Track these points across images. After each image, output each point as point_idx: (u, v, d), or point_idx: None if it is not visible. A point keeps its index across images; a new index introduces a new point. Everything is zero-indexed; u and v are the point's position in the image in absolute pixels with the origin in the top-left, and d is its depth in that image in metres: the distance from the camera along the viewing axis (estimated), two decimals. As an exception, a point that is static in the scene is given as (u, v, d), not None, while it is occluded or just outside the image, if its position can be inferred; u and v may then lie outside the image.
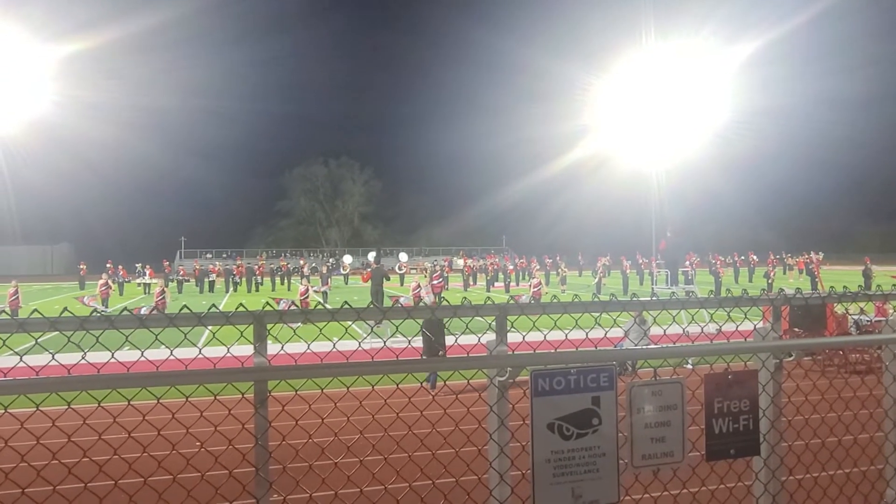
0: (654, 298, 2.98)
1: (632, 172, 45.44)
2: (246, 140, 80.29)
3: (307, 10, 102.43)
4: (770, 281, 31.45)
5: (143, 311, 17.14)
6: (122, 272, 36.81)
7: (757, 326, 2.94)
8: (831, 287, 3.12)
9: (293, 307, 12.40)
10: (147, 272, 36.65)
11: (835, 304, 16.29)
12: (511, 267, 40.00)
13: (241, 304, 2.33)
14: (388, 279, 19.34)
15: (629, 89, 38.17)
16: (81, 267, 39.41)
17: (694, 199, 59.77)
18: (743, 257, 43.35)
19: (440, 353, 10.96)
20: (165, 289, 22.66)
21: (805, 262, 43.48)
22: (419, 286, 24.35)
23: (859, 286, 16.81)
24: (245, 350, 2.37)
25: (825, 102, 70.83)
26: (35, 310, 2.49)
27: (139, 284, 36.60)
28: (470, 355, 2.46)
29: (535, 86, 69.88)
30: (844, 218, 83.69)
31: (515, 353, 2.52)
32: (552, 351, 2.52)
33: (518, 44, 77.30)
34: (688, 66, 38.04)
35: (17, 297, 22.26)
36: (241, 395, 2.40)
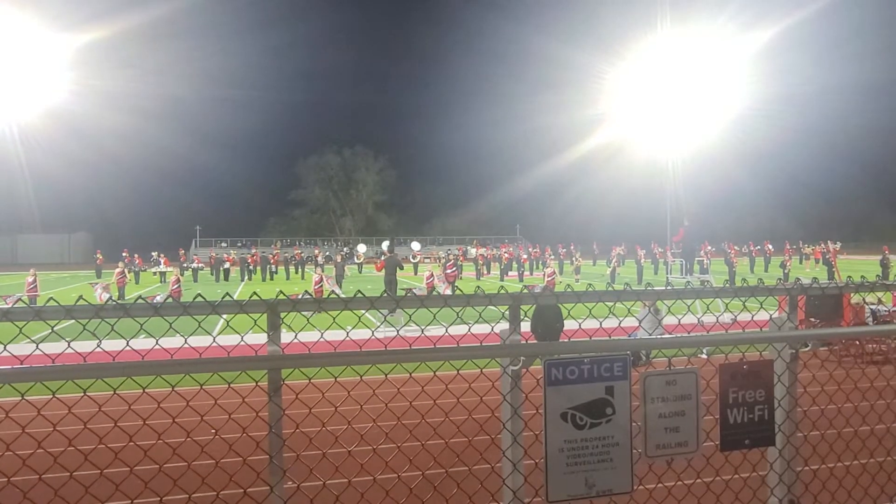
0: (668, 288, 2.96)
1: (647, 161, 45.10)
2: (261, 129, 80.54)
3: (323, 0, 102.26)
4: (786, 271, 31.14)
5: (157, 300, 17.31)
6: (137, 261, 37.16)
7: (773, 316, 2.91)
8: (848, 277, 3.07)
9: (307, 296, 12.29)
10: (162, 261, 36.96)
11: (851, 294, 16.16)
12: (525, 256, 39.91)
13: (255, 293, 2.33)
14: (402, 268, 19.38)
15: (645, 77, 37.79)
16: (98, 256, 39.79)
17: (710, 188, 59.28)
18: (759, 247, 42.96)
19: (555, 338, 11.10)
20: (181, 277, 22.86)
21: (822, 252, 43.10)
22: (433, 275, 24.39)
23: (877, 276, 16.61)
24: (259, 339, 2.38)
25: (844, 90, 69.78)
26: (51, 298, 2.51)
27: (155, 273, 36.93)
28: (483, 344, 2.45)
29: (550, 75, 69.43)
30: (862, 207, 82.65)
31: (528, 342, 2.51)
32: (565, 340, 2.51)
33: (533, 32, 76.82)
34: (704, 53, 37.60)
35: (35, 286, 22.56)
36: (254, 384, 2.41)
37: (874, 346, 12.41)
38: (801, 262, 45.71)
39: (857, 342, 12.37)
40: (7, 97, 44.79)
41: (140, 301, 2.30)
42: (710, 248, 43.18)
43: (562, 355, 2.50)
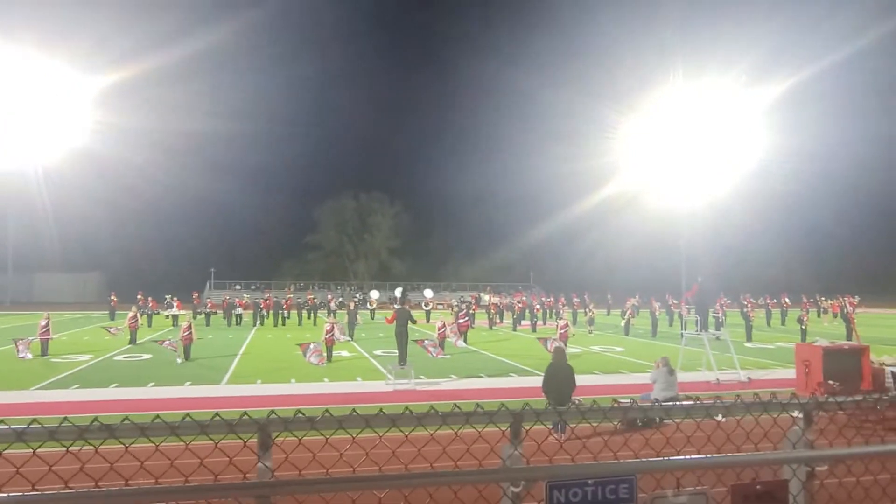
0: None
1: (662, 211, 45.06)
2: (278, 171, 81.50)
3: (341, 43, 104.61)
4: (803, 326, 30.58)
5: (166, 344, 17.19)
6: (151, 303, 37.29)
7: (787, 432, 2.79)
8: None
9: (316, 353, 12.31)
10: (175, 304, 37.05)
11: (871, 357, 15.79)
12: (538, 306, 39.63)
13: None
14: (414, 321, 19.28)
15: (659, 128, 38.01)
16: (112, 298, 40.01)
17: (726, 239, 59.00)
18: (775, 299, 42.38)
19: (566, 401, 11.00)
20: (192, 322, 22.83)
21: (840, 306, 42.39)
22: (444, 325, 24.24)
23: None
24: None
25: (862, 142, 69.74)
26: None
27: (167, 316, 37.00)
28: (483, 468, 2.35)
29: (565, 124, 70.05)
30: (881, 259, 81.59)
31: (531, 465, 2.41)
32: (569, 463, 2.41)
33: (548, 82, 77.76)
34: (718, 105, 37.83)
35: (48, 329, 22.65)
36: (243, 443, 2.32)
37: (895, 412, 12.03)
38: (818, 316, 44.99)
39: (880, 408, 12.04)
40: (31, 137, 46.01)
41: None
42: (725, 299, 42.74)
43: (566, 477, 2.40)
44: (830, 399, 2.87)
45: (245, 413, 2.40)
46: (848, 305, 39.72)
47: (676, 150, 34.03)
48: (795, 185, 63.53)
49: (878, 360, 15.52)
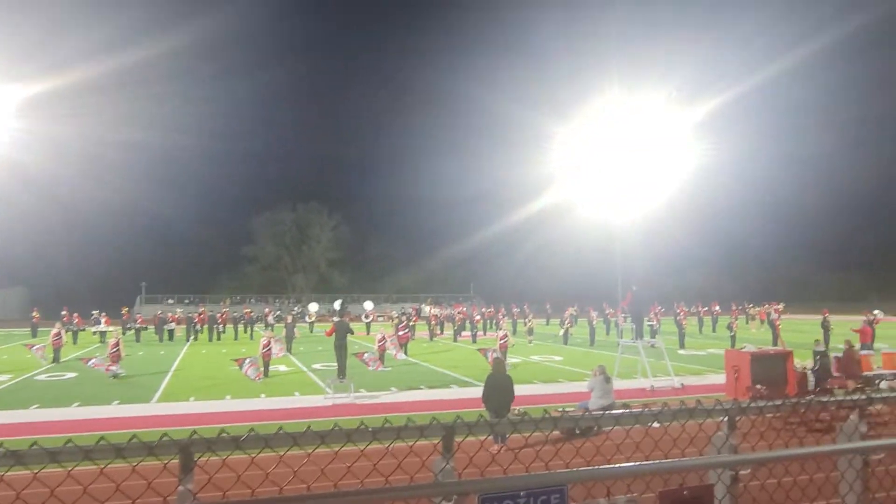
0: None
1: (598, 222, 46.03)
2: (213, 183, 79.37)
3: (278, 52, 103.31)
4: (733, 333, 31.79)
5: (92, 363, 16.38)
6: (76, 320, 35.67)
7: (712, 438, 2.87)
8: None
9: (253, 366, 12.05)
10: (103, 320, 35.59)
11: (794, 362, 16.51)
12: (478, 316, 39.84)
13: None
14: (353, 333, 19.06)
15: (595, 140, 38.90)
16: (34, 314, 38.14)
17: (659, 250, 60.77)
18: (706, 307, 43.90)
19: (504, 412, 10.95)
20: (120, 338, 21.95)
21: (766, 313, 44.24)
22: (384, 338, 24.04)
23: (816, 340, 17.05)
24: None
25: (781, 158, 73.65)
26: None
27: (95, 332, 35.49)
28: (414, 483, 2.32)
29: (503, 133, 71.23)
30: (802, 268, 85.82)
31: (463, 478, 2.40)
32: (500, 476, 2.40)
33: (486, 92, 78.63)
34: (652, 119, 39.00)
35: (-36, 349, 21.40)
36: (163, 466, 2.21)
37: (814, 415, 12.60)
38: (747, 323, 46.78)
39: (802, 410, 12.57)
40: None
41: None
42: (659, 308, 43.98)
43: (497, 490, 2.39)
44: (752, 404, 2.96)
45: (165, 434, 2.30)
46: (773, 312, 41.51)
47: (612, 162, 34.92)
48: (723, 198, 66.28)
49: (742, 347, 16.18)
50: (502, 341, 24.33)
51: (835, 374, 16.30)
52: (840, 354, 16.76)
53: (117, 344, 20.88)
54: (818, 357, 16.03)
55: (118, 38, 54.41)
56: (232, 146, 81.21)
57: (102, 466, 2.20)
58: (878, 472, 3.48)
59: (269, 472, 2.73)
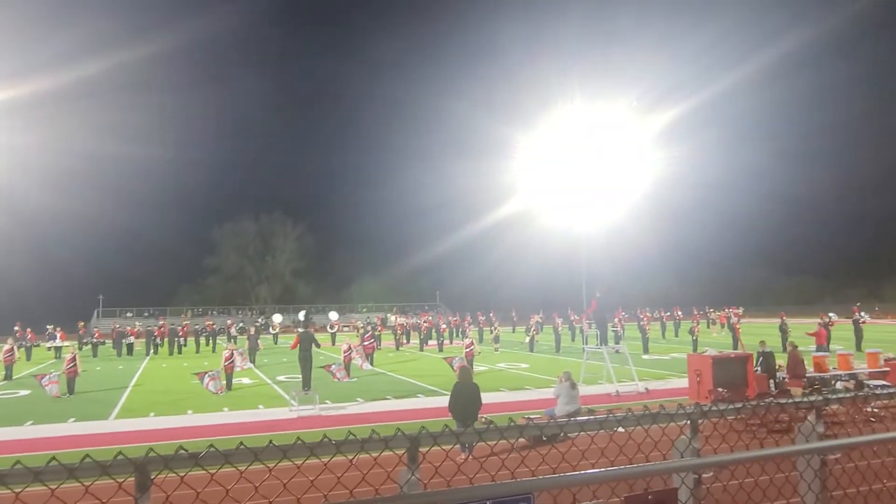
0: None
1: (562, 229, 46.54)
2: (173, 192, 77.86)
3: (240, 61, 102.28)
4: (695, 337, 32.38)
5: (45, 381, 15.80)
6: (29, 335, 34.57)
7: (675, 442, 2.89)
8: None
9: (214, 380, 11.87)
10: (58, 335, 34.58)
11: (755, 363, 16.85)
12: (444, 325, 39.82)
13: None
14: (318, 345, 18.83)
15: (558, 149, 39.38)
16: (-15, 330, 36.88)
17: (622, 256, 61.60)
18: (668, 313, 44.64)
19: (471, 421, 10.86)
20: (77, 353, 21.34)
21: (726, 317, 45.20)
22: (350, 348, 23.84)
23: (761, 341, 17.43)
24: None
25: (738, 168, 75.76)
26: None
27: (49, 348, 34.45)
28: (379, 495, 2.28)
29: (467, 142, 71.71)
30: (761, 273, 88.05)
31: (429, 489, 2.37)
32: (466, 486, 2.38)
33: (450, 101, 79.24)
34: (613, 128, 39.67)
35: None
36: (118, 485, 2.13)
37: (773, 416, 12.86)
38: (708, 327, 47.69)
39: (762, 412, 12.83)
40: None
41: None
42: (624, 314, 44.56)
43: (463, 500, 2.36)
44: (713, 408, 3.00)
45: (120, 452, 2.23)
46: (733, 316, 42.46)
47: (575, 171, 35.37)
48: (683, 206, 67.63)
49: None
50: (468, 349, 24.33)
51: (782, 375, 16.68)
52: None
53: (74, 359, 20.30)
54: (761, 359, 16.45)
55: (78, 47, 53.15)
56: (193, 155, 79.79)
57: (54, 488, 2.12)
58: (835, 471, 3.55)
59: (230, 489, 2.66)
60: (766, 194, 77.74)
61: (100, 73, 55.69)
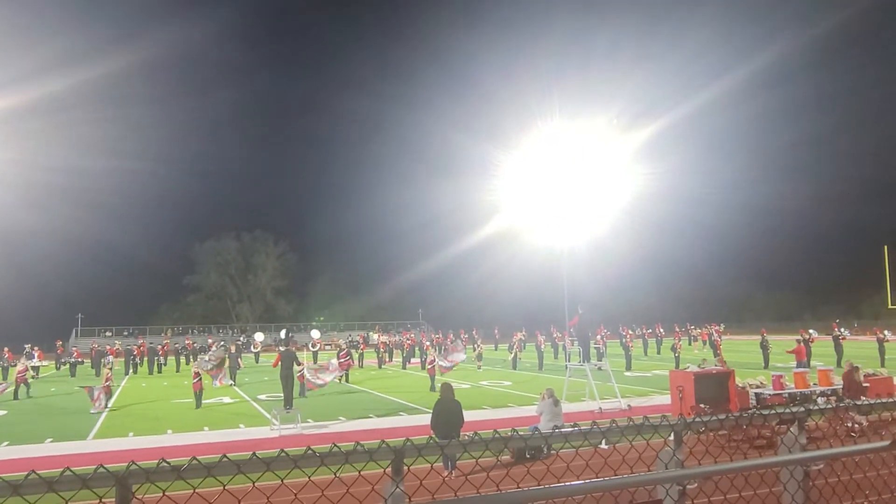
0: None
1: (544, 247, 46.78)
2: (153, 211, 77.23)
3: (221, 79, 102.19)
4: (677, 354, 32.54)
5: (2, 387, 15.64)
6: (7, 355, 33.89)
7: (660, 453, 2.90)
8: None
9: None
10: (36, 354, 33.96)
11: (737, 379, 16.96)
12: (427, 343, 39.68)
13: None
14: (300, 363, 18.69)
15: (539, 167, 39.69)
16: (-40, 350, 36.09)
17: (604, 273, 62.02)
18: (651, 329, 44.87)
19: (455, 434, 10.77)
20: (28, 367, 21.22)
21: (708, 334, 45.51)
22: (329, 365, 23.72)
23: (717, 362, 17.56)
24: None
25: (719, 183, 76.70)
26: None
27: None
28: (363, 508, 2.26)
29: (449, 161, 71.92)
30: (741, 288, 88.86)
31: (413, 502, 2.35)
32: (452, 499, 2.37)
33: (431, 121, 79.68)
34: (594, 145, 40.10)
35: None
36: (98, 499, 2.10)
37: (756, 431, 12.91)
38: (689, 344, 47.97)
39: (744, 427, 12.87)
40: None
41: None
42: (606, 331, 44.71)
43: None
44: (697, 419, 3.02)
45: (101, 465, 2.19)
46: (714, 333, 42.77)
47: (555, 188, 35.63)
48: (663, 221, 68.26)
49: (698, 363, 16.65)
50: (430, 366, 24.42)
51: (775, 391, 16.78)
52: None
53: (25, 370, 20.29)
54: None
55: (53, 61, 52.67)
56: (174, 172, 79.30)
57: (33, 503, 2.08)
58: (818, 483, 3.57)
59: (212, 504, 2.63)
60: (745, 209, 78.72)
61: (79, 88, 55.25)
